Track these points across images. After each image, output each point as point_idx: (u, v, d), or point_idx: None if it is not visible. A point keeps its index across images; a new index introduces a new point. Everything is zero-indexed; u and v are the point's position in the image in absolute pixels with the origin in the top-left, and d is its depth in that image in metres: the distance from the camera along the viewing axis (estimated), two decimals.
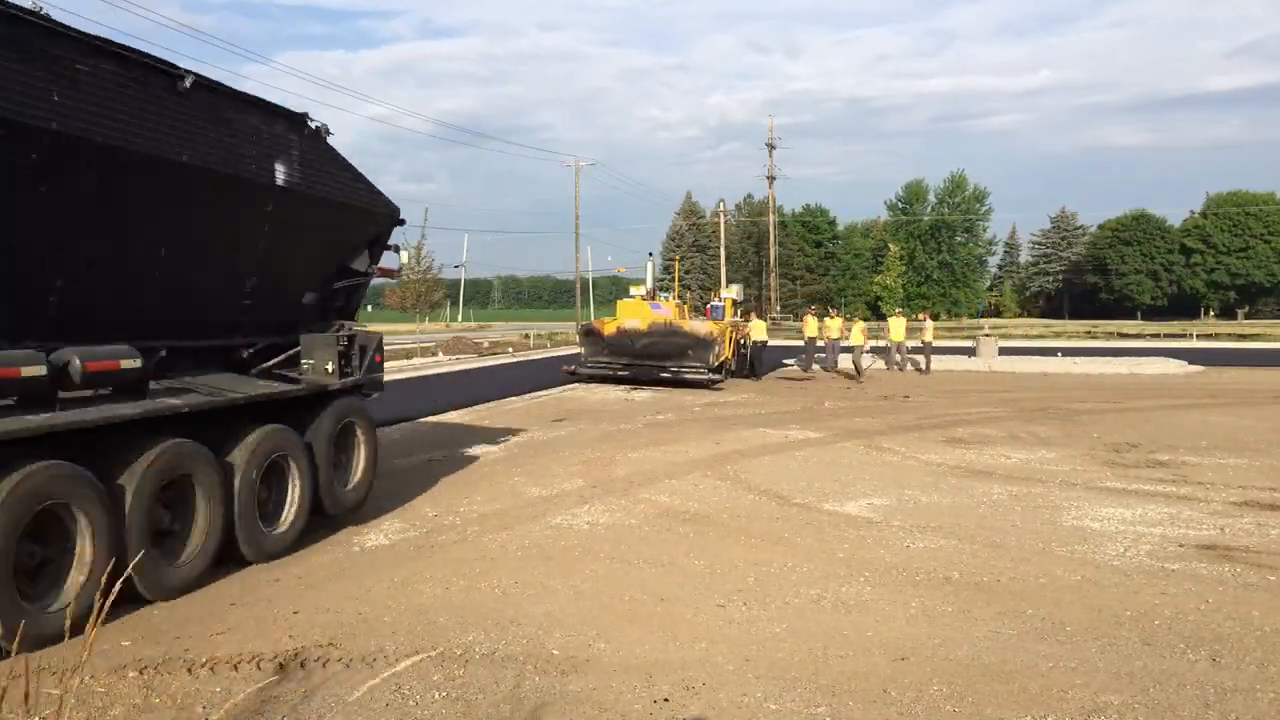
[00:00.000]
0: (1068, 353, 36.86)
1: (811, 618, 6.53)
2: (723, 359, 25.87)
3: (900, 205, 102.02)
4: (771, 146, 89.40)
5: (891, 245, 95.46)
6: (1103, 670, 5.59)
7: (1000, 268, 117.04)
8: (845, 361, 29.94)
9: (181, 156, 7.07)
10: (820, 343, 30.40)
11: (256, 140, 8.07)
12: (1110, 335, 57.12)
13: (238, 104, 7.99)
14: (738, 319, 30.63)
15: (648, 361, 24.26)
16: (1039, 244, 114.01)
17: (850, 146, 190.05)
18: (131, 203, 6.85)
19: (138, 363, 6.73)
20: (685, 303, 31.61)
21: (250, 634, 6.06)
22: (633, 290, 29.13)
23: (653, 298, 28.11)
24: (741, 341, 28.72)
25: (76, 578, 6.03)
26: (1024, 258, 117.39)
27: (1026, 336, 54.01)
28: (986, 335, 39.80)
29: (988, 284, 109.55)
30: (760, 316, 32.12)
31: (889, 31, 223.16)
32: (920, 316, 34.82)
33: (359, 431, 9.49)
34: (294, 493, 8.33)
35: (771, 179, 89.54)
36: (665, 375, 24.29)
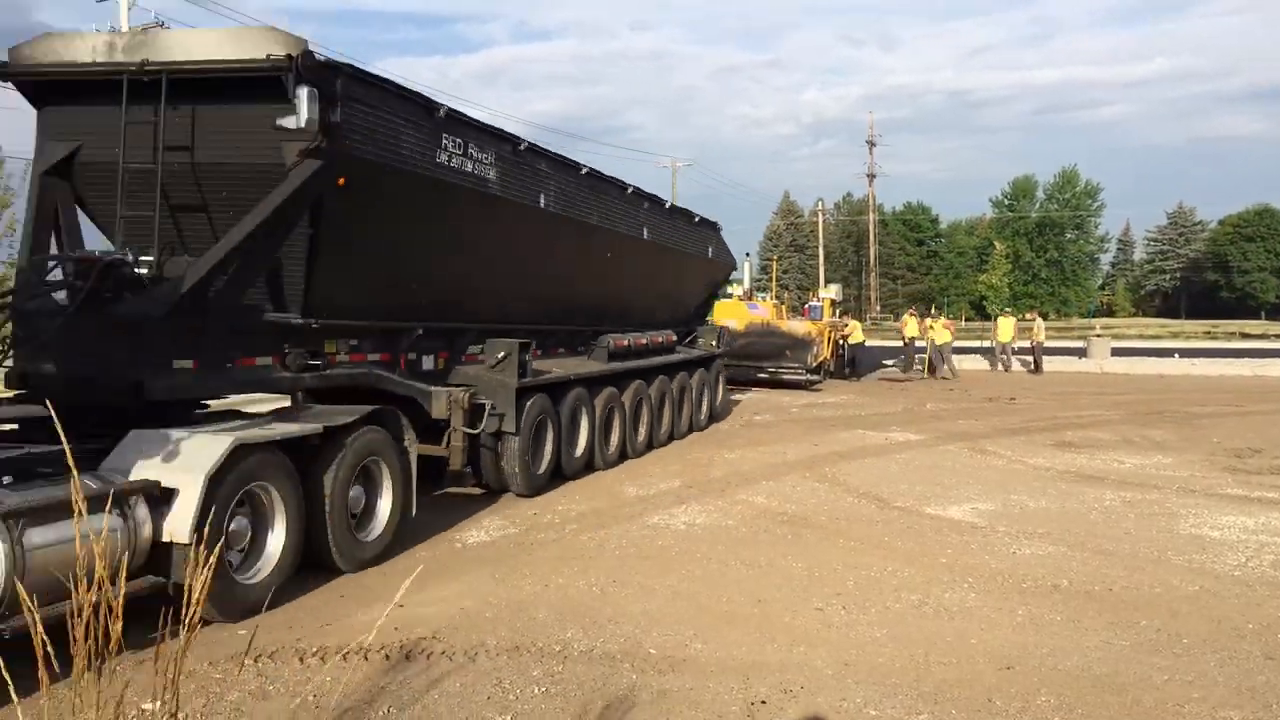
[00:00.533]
0: (1185, 354, 35.31)
1: (913, 623, 6.42)
2: (821, 359, 25.70)
3: (1006, 202, 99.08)
4: (871, 144, 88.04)
5: (997, 243, 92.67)
6: (1222, 684, 5.35)
7: (1113, 266, 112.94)
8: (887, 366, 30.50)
9: (669, 243, 15.62)
10: (920, 343, 29.76)
11: (696, 235, 17.31)
12: (1231, 335, 54.59)
13: (689, 216, 16.94)
14: (836, 319, 30.45)
15: (745, 362, 23.90)
16: (1154, 241, 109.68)
17: (949, 142, 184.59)
18: (643, 263, 14.84)
19: (675, 338, 15.90)
20: (783, 303, 31.60)
21: (358, 626, 6.25)
22: (729, 290, 28.21)
23: (750, 298, 27.93)
24: (840, 342, 28.55)
25: (582, 438, 12.13)
26: (1138, 255, 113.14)
27: (1141, 337, 51.95)
28: (1098, 335, 38.45)
29: (1100, 283, 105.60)
30: (856, 317, 32.02)
31: (988, 21, 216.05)
32: (1029, 316, 33.74)
33: (719, 376, 18.02)
34: (705, 402, 16.86)
35: (871, 177, 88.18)
36: (762, 376, 24.20)
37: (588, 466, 12.07)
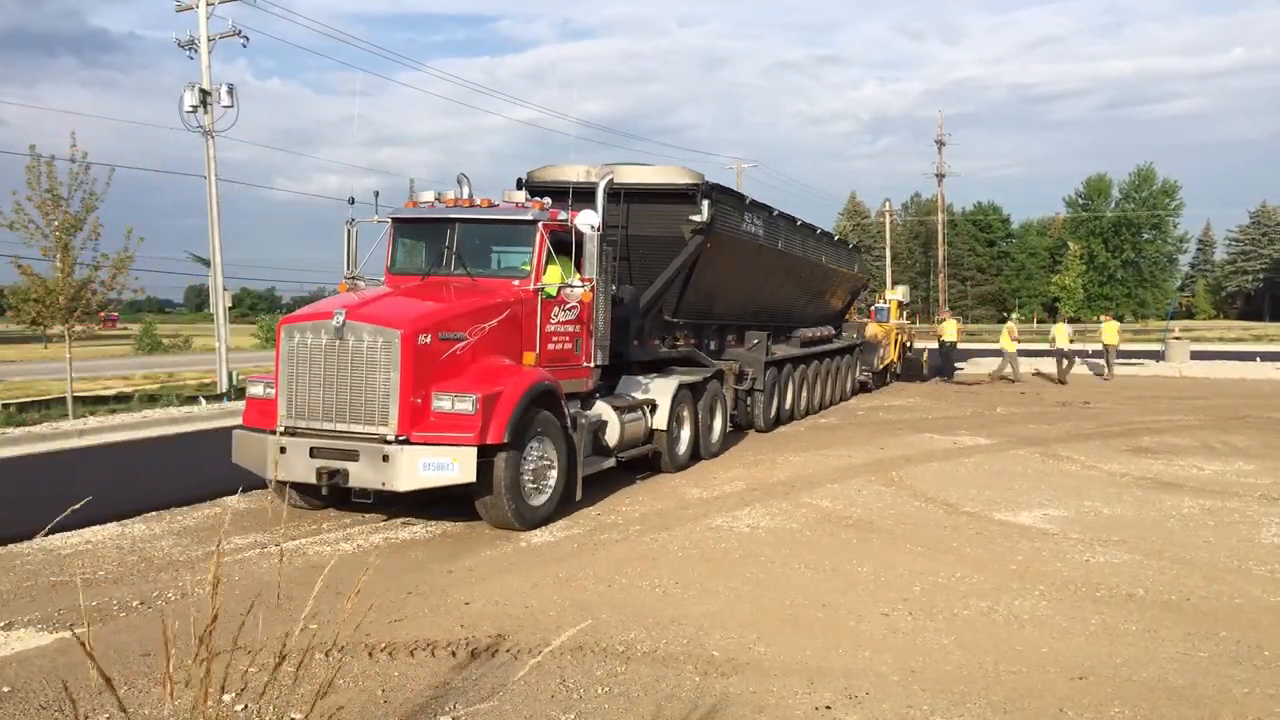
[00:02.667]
0: (1268, 357, 34.12)
1: (982, 630, 6.31)
2: (888, 362, 26.05)
3: (1081, 201, 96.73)
4: (940, 143, 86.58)
5: (1071, 243, 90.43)
6: None
7: (1192, 266, 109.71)
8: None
9: (821, 259, 20.57)
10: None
11: (846, 254, 24.05)
12: None
13: (843, 243, 24.88)
14: (903, 320, 30.33)
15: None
16: (1236, 241, 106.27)
17: (1016, 138, 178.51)
18: (817, 280, 20.89)
19: (833, 332, 22.68)
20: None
21: (425, 622, 6.34)
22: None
23: None
24: (907, 344, 28.76)
25: (789, 395, 18.53)
26: (1219, 255, 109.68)
27: (1222, 340, 50.39)
28: (1177, 338, 37.33)
29: (1178, 284, 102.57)
30: (923, 319, 32.02)
31: (1054, 11, 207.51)
32: (1101, 318, 32.62)
33: (858, 361, 23.91)
34: (850, 377, 23.03)
35: (940, 176, 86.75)
36: None
37: (789, 417, 17.85)
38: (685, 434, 12.63)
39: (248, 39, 25.08)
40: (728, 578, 7.49)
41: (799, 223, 18.36)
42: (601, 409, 10.91)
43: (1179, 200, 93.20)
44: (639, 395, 11.80)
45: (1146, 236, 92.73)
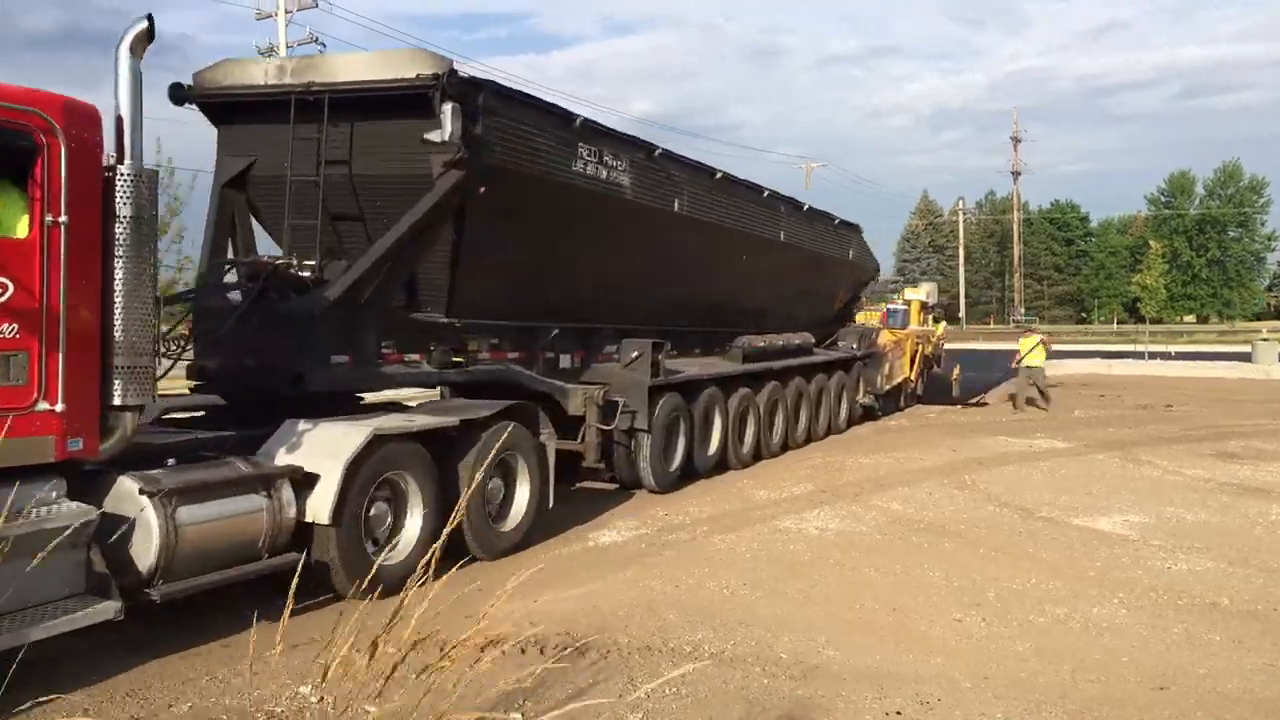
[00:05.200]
0: None
1: (1058, 638, 6.16)
2: (899, 380, 20.10)
3: (1163, 198, 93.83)
4: (1016, 139, 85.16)
5: (1153, 242, 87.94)
6: None
7: None
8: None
9: (780, 236, 14.96)
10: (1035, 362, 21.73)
11: (834, 234, 17.81)
12: None
13: (829, 219, 17.45)
14: (927, 326, 23.81)
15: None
16: None
17: (1083, 131, 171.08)
18: (780, 265, 15.24)
19: (812, 340, 15.70)
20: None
21: (494, 619, 6.41)
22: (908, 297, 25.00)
23: None
24: (929, 355, 22.62)
25: (715, 436, 12.51)
26: None
27: None
28: (1265, 339, 36.00)
29: (1267, 283, 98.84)
30: (999, 321, 28.64)
31: None
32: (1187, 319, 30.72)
33: (861, 378, 18.07)
34: (844, 401, 17.06)
35: (1016, 174, 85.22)
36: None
37: (720, 465, 12.25)
38: (411, 525, 7.18)
39: (325, 45, 25.67)
40: (796, 580, 7.43)
41: (719, 175, 12.62)
42: (121, 493, 5.57)
43: (1266, 197, 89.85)
44: (283, 458, 6.44)
45: (1232, 234, 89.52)
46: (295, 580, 3.81)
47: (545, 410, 8.77)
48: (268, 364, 7.05)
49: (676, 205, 11.50)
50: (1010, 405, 20.70)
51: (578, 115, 9.41)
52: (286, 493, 6.30)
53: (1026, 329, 22.81)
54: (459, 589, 7.16)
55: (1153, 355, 35.81)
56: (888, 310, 24.02)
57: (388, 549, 6.88)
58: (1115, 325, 72.87)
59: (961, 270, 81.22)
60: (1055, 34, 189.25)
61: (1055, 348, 24.26)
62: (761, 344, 13.61)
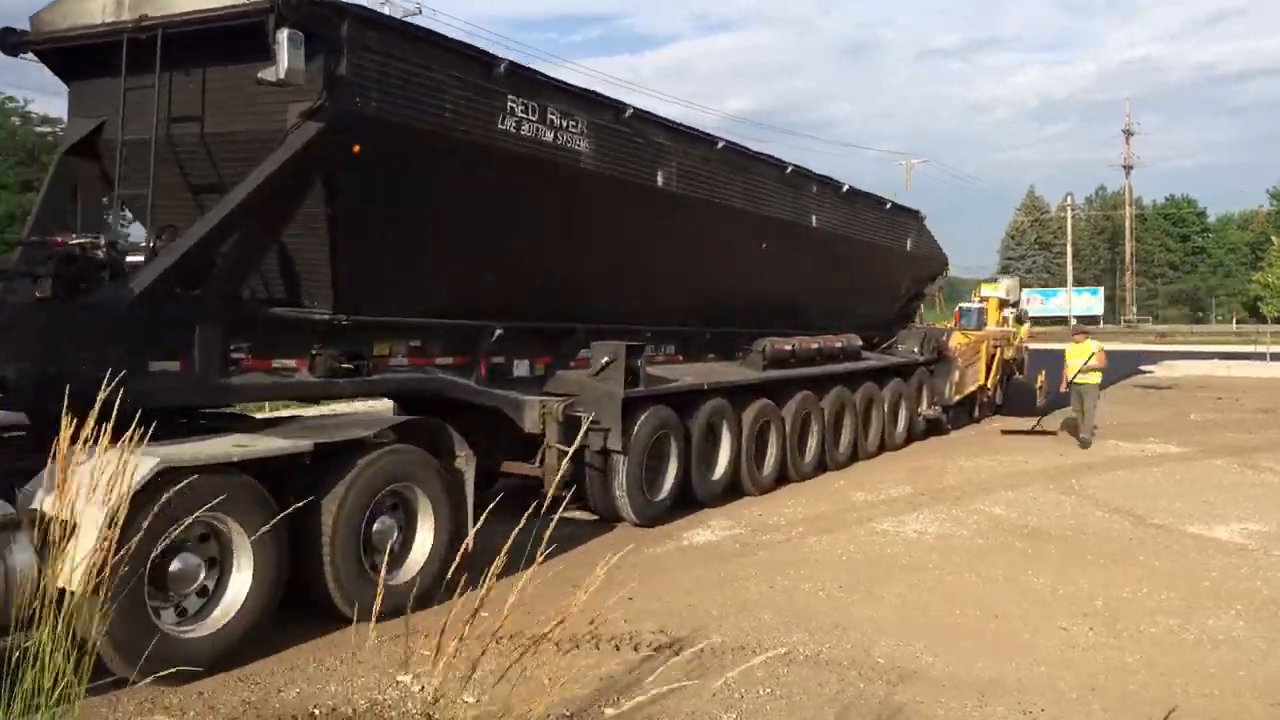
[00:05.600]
0: None
1: (1170, 650, 5.93)
2: (971, 389, 17.68)
3: None
4: (1128, 133, 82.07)
5: (1274, 239, 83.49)
6: None
7: None
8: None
9: (855, 236, 14.08)
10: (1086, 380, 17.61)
11: (889, 224, 15.43)
12: None
13: (878, 202, 15.09)
14: (1007, 328, 20.85)
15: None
16: None
17: (1199, 123, 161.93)
18: (814, 255, 13.08)
19: (859, 343, 13.95)
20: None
21: (589, 615, 6.47)
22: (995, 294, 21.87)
23: None
24: (1011, 360, 19.88)
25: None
26: None
27: None
28: None
29: None
30: (1110, 321, 25.50)
31: None
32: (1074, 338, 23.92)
33: (925, 386, 15.79)
34: (903, 413, 14.90)
35: (1128, 168, 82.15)
36: None
37: (732, 490, 10.41)
38: (235, 584, 5.56)
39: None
40: (893, 583, 7.32)
41: (721, 145, 10.38)
42: None
43: None
44: (43, 501, 4.72)
45: None
46: (407, 584, 3.89)
47: (500, 427, 7.66)
48: (71, 373, 4.93)
49: (661, 179, 9.27)
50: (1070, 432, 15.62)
51: (502, 59, 7.36)
52: (22, 551, 4.62)
53: (1078, 332, 16.89)
54: (552, 587, 7.27)
55: (1275, 357, 34.09)
56: (960, 309, 21.17)
57: (195, 621, 5.39)
58: (1234, 325, 69.55)
59: (1070, 268, 78.56)
60: (1168, 21, 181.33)
61: (1171, 348, 22.15)
62: (788, 348, 11.50)
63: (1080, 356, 14.96)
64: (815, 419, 12.04)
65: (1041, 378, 18.48)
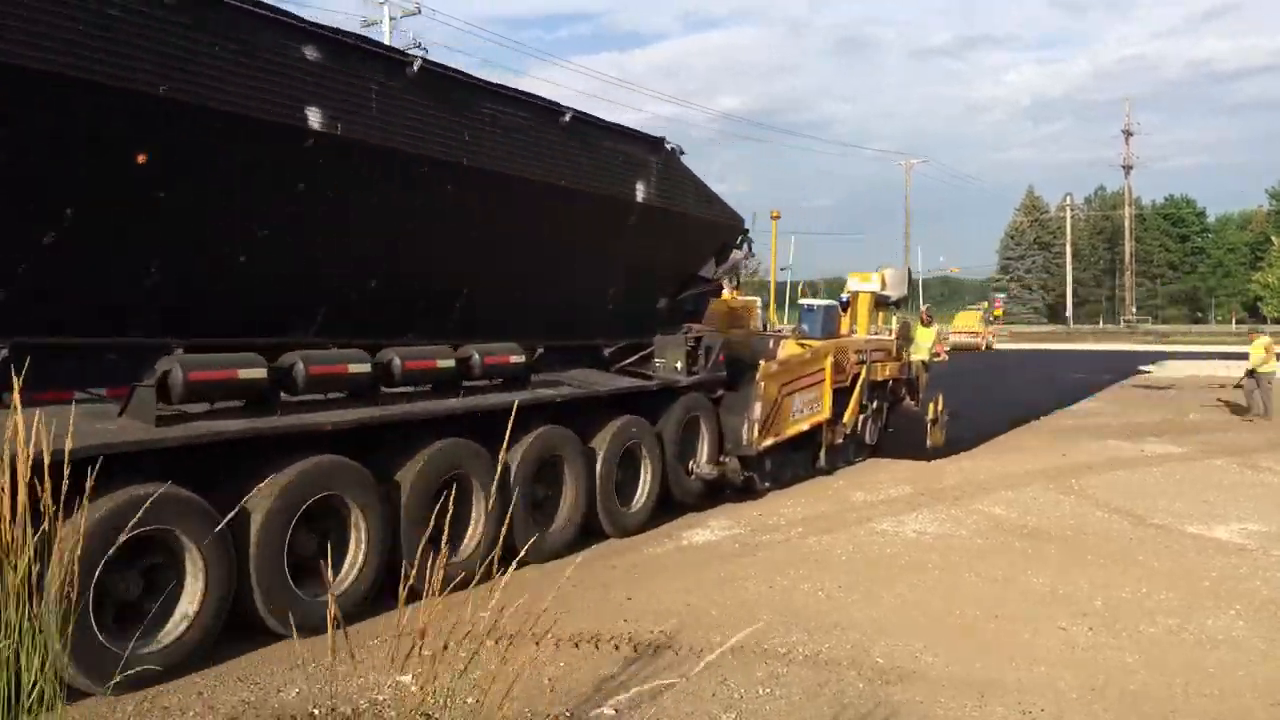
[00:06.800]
0: None
1: (1170, 650, 5.93)
2: (799, 427, 11.26)
3: None
4: (1128, 133, 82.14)
5: (1274, 239, 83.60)
6: None
7: None
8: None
9: (561, 181, 8.29)
10: (1266, 370, 18.97)
11: (619, 163, 9.16)
12: None
13: (603, 130, 9.09)
14: (878, 332, 15.08)
15: None
16: None
17: (1196, 121, 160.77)
18: (515, 221, 8.06)
19: (523, 358, 7.89)
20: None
21: (589, 616, 6.48)
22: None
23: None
24: (893, 381, 13.97)
25: (475, 531, 7.37)
26: None
27: None
28: None
29: None
30: (1110, 321, 24.35)
31: None
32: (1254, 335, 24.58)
33: (703, 425, 10.11)
34: (646, 477, 9.25)
35: (1128, 168, 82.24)
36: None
37: None
38: None
39: (427, 50, 26.25)
40: (893, 584, 7.31)
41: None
42: None
43: None
44: None
45: None
46: (404, 583, 3.88)
47: None
48: None
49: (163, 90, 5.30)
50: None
51: None
52: None
53: (1253, 331, 19.20)
54: (552, 588, 7.27)
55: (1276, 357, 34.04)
56: (806, 306, 14.35)
57: None
58: (1234, 325, 69.65)
59: (1069, 268, 78.66)
60: (1162, 18, 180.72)
61: (1171, 348, 22.49)
62: (207, 375, 5.70)
63: (1257, 352, 18.82)
64: (311, 532, 6.24)
65: (933, 408, 13.70)
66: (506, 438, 4.13)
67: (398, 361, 6.88)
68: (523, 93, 8.08)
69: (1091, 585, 7.27)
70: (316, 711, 4.93)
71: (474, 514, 7.36)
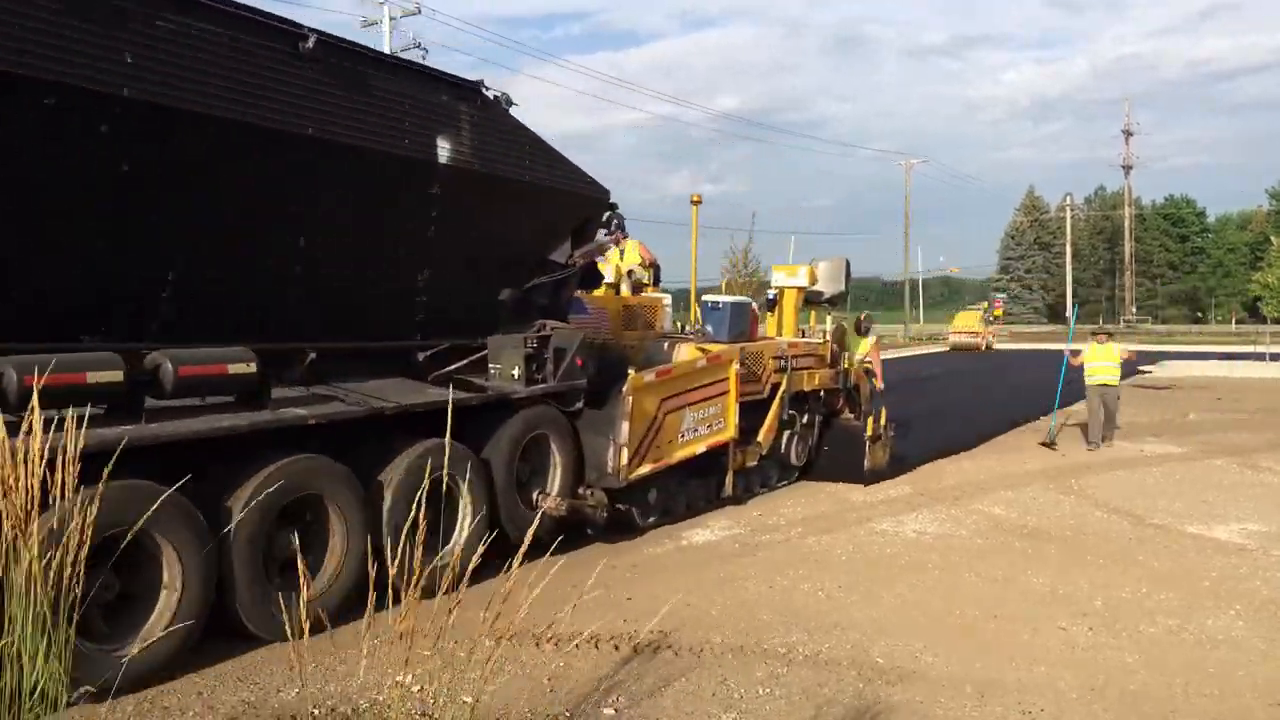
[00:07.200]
0: None
1: (1170, 650, 5.93)
2: (695, 448, 9.29)
3: None
4: (1128, 133, 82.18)
5: (1274, 238, 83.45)
6: None
7: None
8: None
9: (307, 130, 6.06)
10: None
11: (410, 112, 6.89)
12: None
13: (385, 71, 6.92)
14: (807, 337, 12.24)
15: None
16: None
17: (1196, 121, 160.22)
18: (249, 184, 5.95)
19: (252, 368, 5.68)
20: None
21: (590, 616, 6.47)
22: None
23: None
24: (823, 391, 11.78)
25: (159, 618, 5.24)
26: None
27: None
28: None
29: None
30: (1110, 320, 22.40)
31: None
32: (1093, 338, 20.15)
33: (553, 446, 8.10)
34: (465, 518, 7.10)
35: (1128, 168, 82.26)
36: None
37: None
38: None
39: (427, 50, 26.26)
40: (892, 584, 7.32)
41: None
42: None
43: None
44: None
45: None
46: (406, 581, 3.89)
47: None
48: None
49: None
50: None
51: None
52: None
53: (1100, 333, 15.96)
54: (552, 588, 7.27)
55: (1275, 357, 34.12)
56: (709, 304, 11.08)
57: None
58: (1234, 325, 69.68)
59: (1069, 268, 78.64)
60: (1159, 17, 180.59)
61: (1171, 348, 21.98)
62: None
63: (1104, 358, 14.67)
64: None
65: (872, 424, 11.68)
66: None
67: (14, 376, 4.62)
68: (231, 2, 5.73)
69: (1091, 585, 7.27)
70: (317, 712, 4.93)
71: (165, 582, 5.19)
